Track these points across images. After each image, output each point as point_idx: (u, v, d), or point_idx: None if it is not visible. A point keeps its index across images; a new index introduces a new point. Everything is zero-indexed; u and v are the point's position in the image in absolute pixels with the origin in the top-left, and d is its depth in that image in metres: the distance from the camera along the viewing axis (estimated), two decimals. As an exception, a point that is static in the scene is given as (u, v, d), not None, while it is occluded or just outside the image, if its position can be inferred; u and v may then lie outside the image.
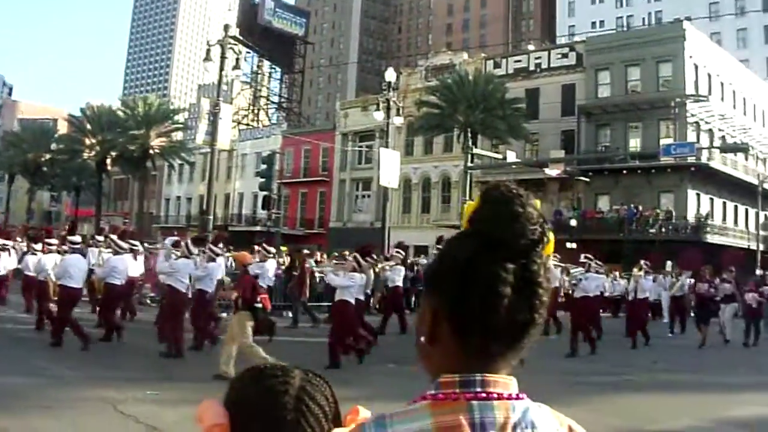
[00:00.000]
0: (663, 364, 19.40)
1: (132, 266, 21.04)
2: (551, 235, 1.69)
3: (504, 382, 1.62)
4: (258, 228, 67.89)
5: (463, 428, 1.55)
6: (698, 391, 15.22)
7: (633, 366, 18.24)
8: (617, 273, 34.55)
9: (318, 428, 1.66)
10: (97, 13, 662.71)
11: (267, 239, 24.12)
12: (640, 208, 52.86)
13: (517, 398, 1.61)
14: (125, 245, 19.09)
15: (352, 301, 16.63)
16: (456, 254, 1.67)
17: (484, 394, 1.59)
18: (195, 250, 18.22)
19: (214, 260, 19.07)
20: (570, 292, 22.70)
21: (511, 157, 46.69)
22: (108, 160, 77.47)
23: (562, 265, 25.12)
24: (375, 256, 22.08)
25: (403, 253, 26.99)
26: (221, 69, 33.90)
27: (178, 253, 17.69)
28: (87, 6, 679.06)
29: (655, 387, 15.51)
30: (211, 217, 34.56)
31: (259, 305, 14.22)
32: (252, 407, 1.67)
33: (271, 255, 23.18)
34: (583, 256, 23.45)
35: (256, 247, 23.83)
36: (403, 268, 25.55)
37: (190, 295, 18.04)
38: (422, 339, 1.67)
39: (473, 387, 1.59)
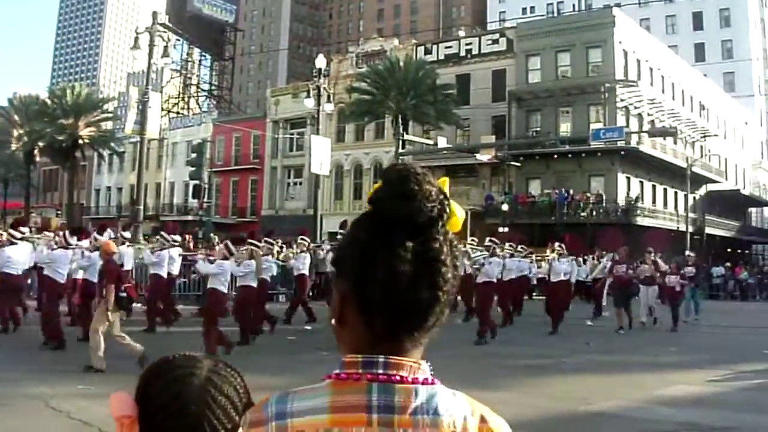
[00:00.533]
0: (594, 346, 19.59)
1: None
2: (459, 213, 1.67)
3: (410, 365, 1.61)
4: (190, 217, 67.53)
5: (358, 409, 1.56)
6: (629, 371, 15.36)
7: (564, 348, 18.36)
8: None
9: (226, 419, 1.65)
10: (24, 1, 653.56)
11: (165, 226, 23.56)
12: (571, 192, 53.43)
13: (424, 383, 1.59)
14: (18, 235, 18.78)
15: (223, 289, 16.87)
16: (355, 236, 1.67)
17: (384, 376, 1.58)
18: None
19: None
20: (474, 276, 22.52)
21: (443, 142, 46.89)
22: (36, 151, 76.32)
23: (463, 249, 24.95)
24: (281, 243, 22.07)
25: (308, 240, 26.85)
26: (150, 57, 33.60)
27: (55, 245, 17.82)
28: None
29: (586, 369, 15.65)
30: (142, 207, 34.27)
31: (124, 294, 14.19)
32: (157, 399, 1.65)
33: (175, 243, 22.32)
34: (487, 239, 23.50)
35: (163, 235, 23.32)
36: (308, 256, 25.53)
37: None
38: (333, 321, 1.67)
39: (375, 368, 1.59)
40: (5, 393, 11.80)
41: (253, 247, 18.96)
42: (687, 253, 40.97)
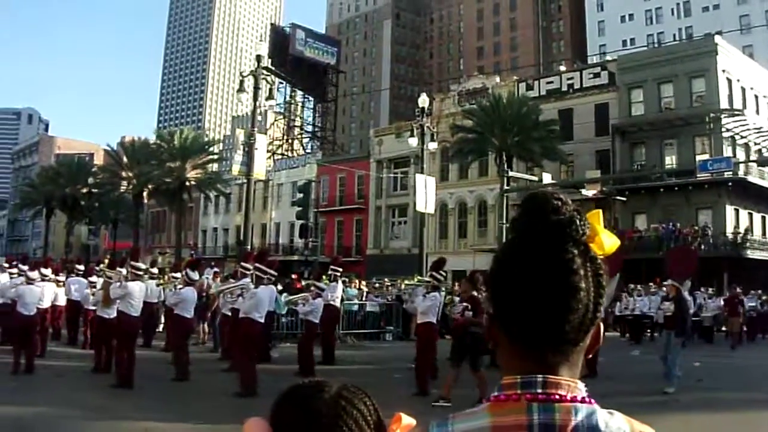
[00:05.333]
0: (707, 381, 19.22)
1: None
2: (607, 237, 1.77)
3: (568, 384, 1.65)
4: (296, 257, 68.06)
5: (520, 429, 1.60)
6: (744, 409, 15.05)
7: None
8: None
9: (358, 431, 1.66)
10: (130, 49, 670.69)
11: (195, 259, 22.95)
12: (678, 225, 52.42)
13: (582, 401, 1.64)
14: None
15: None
16: (496, 257, 1.77)
17: (543, 396, 1.63)
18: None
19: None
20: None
21: (547, 179, 46.55)
22: (145, 193, 77.95)
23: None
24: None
25: (340, 271, 25.09)
26: (255, 100, 34.04)
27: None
28: (120, 42, 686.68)
29: (700, 406, 15.38)
30: (249, 247, 34.69)
31: None
32: (289, 416, 1.68)
33: (140, 273, 18.86)
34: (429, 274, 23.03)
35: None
36: (340, 286, 24.79)
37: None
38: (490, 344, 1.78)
39: (534, 388, 1.64)
40: (118, 425, 12.13)
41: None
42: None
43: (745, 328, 35.42)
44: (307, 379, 1.82)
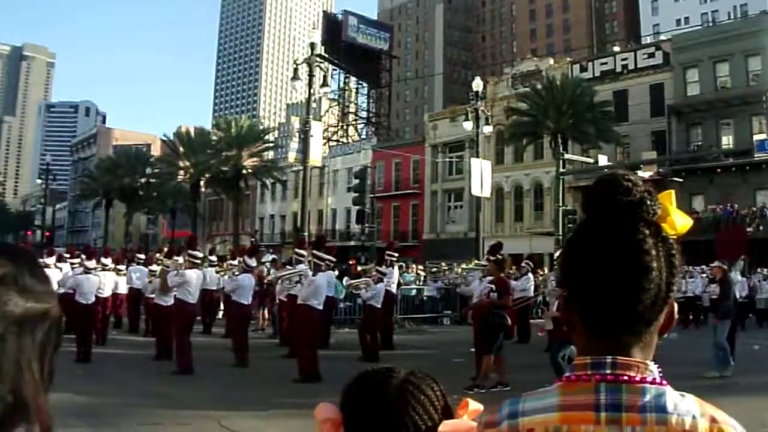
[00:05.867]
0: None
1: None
2: (679, 217, 1.82)
3: (638, 365, 1.67)
4: (352, 243, 68.29)
5: (587, 407, 1.64)
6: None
7: (734, 368, 17.71)
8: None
9: (426, 416, 1.69)
10: (183, 39, 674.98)
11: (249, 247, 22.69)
12: (736, 206, 51.74)
13: (653, 383, 1.65)
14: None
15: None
16: (569, 240, 1.80)
17: (612, 377, 1.65)
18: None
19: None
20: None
21: (603, 160, 46.10)
22: (202, 182, 78.63)
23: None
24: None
25: (395, 255, 24.42)
26: (309, 87, 34.10)
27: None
28: (174, 33, 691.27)
29: (760, 390, 15.19)
30: (306, 234, 34.80)
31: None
32: (359, 401, 1.72)
33: (197, 261, 19.04)
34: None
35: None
36: (396, 271, 24.31)
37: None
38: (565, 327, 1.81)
39: (603, 369, 1.67)
40: (181, 412, 12.24)
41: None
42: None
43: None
44: (376, 365, 1.86)
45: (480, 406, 1.75)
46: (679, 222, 1.80)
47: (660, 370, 1.70)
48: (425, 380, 1.76)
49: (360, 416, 1.71)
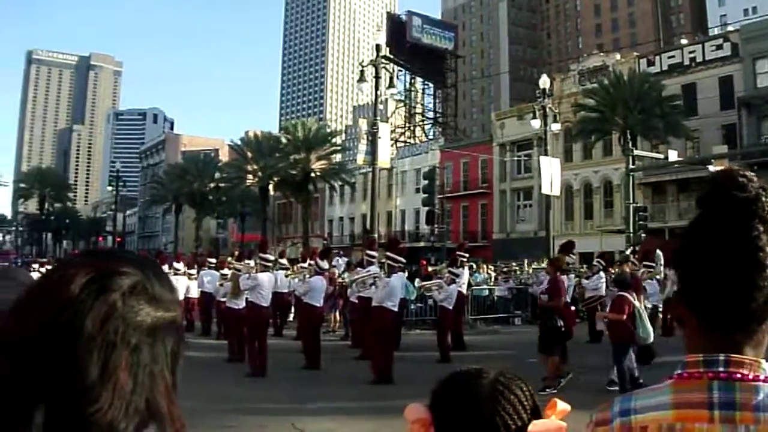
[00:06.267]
0: None
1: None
2: None
3: (751, 363, 1.63)
4: (422, 244, 68.25)
5: (700, 405, 1.61)
6: None
7: None
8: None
9: (516, 416, 1.69)
10: (248, 44, 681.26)
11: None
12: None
13: (766, 380, 1.61)
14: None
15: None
16: (682, 236, 1.77)
17: (725, 374, 1.62)
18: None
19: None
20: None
21: (673, 156, 45.62)
22: (270, 186, 79.35)
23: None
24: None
25: (466, 256, 23.95)
26: (376, 89, 34.11)
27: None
28: (238, 38, 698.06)
29: None
30: (375, 235, 34.81)
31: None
32: (450, 401, 1.72)
33: (269, 264, 18.55)
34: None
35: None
36: (466, 271, 24.19)
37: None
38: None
39: (716, 366, 1.64)
40: (255, 415, 12.29)
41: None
42: None
43: None
44: (462, 366, 1.85)
45: (567, 407, 1.74)
46: None
47: None
48: (515, 380, 1.76)
49: (450, 417, 1.71)
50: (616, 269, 26.73)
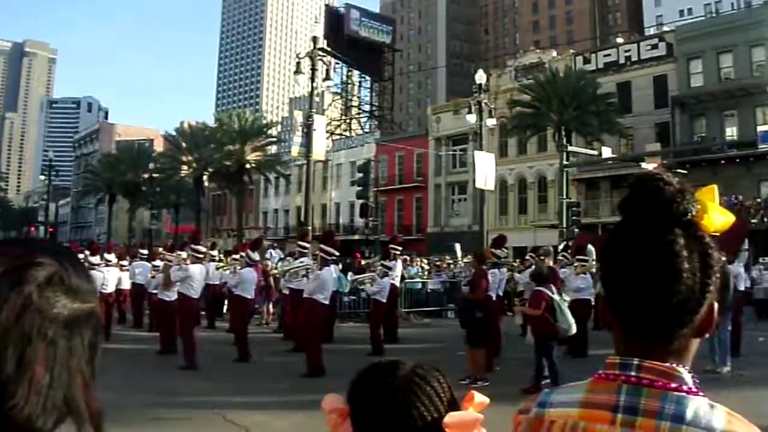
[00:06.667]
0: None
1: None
2: (717, 215, 1.74)
3: (665, 371, 1.64)
4: (356, 237, 68.26)
5: (605, 407, 1.63)
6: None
7: (740, 360, 17.65)
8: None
9: (432, 408, 1.69)
10: (185, 34, 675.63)
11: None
12: (741, 198, 51.73)
13: (677, 390, 1.61)
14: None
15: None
16: (605, 241, 1.77)
17: (635, 379, 1.63)
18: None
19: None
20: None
21: (607, 153, 46.09)
22: (205, 177, 78.82)
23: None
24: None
25: (400, 249, 24.35)
26: (312, 81, 34.06)
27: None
28: (176, 28, 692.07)
29: (766, 381, 15.19)
30: (310, 228, 34.76)
31: None
32: (365, 392, 1.74)
33: (200, 256, 18.47)
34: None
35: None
36: (399, 264, 24.43)
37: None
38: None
39: (628, 370, 1.65)
40: (186, 407, 12.22)
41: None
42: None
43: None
44: (384, 358, 1.86)
45: (486, 399, 1.74)
46: (718, 219, 1.74)
47: (694, 376, 1.67)
48: (431, 372, 1.77)
49: (366, 408, 1.73)
50: (530, 264, 26.96)
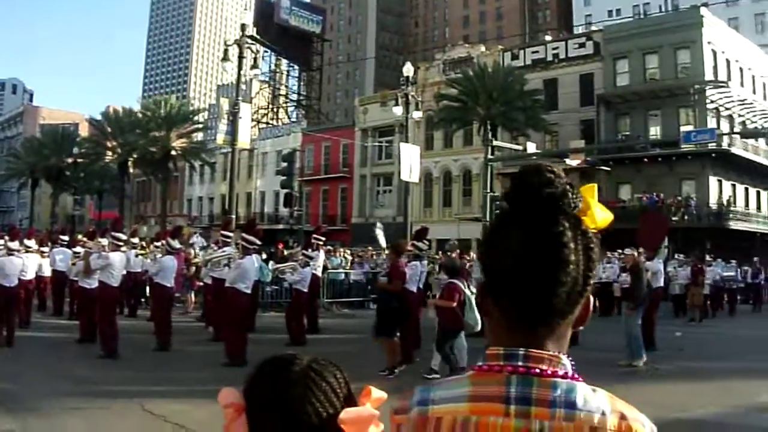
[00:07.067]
0: (685, 352, 19.39)
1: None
2: (599, 210, 1.80)
3: (551, 359, 1.68)
4: (281, 226, 68.01)
5: (497, 399, 1.64)
6: (725, 378, 15.17)
7: (656, 354, 17.99)
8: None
9: (328, 403, 1.70)
10: (114, 17, 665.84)
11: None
12: (662, 196, 52.51)
13: (564, 377, 1.66)
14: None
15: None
16: (489, 226, 1.79)
17: (524, 369, 1.66)
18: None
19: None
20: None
21: (531, 148, 46.38)
22: (130, 163, 78.01)
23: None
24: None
25: (323, 239, 25.14)
26: (239, 69, 33.87)
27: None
28: (104, 10, 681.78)
29: (679, 375, 15.51)
30: (234, 216, 34.63)
31: None
32: (261, 388, 1.73)
33: (121, 243, 18.21)
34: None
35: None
36: (322, 255, 24.96)
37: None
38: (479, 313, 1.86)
39: (515, 360, 1.68)
40: (104, 396, 12.15)
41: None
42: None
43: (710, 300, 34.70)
44: (281, 353, 1.87)
45: (383, 395, 1.75)
46: (599, 216, 1.78)
47: (573, 362, 1.71)
48: (328, 367, 1.77)
49: (261, 402, 1.71)
50: (442, 257, 27.20)
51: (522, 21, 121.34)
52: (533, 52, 67.23)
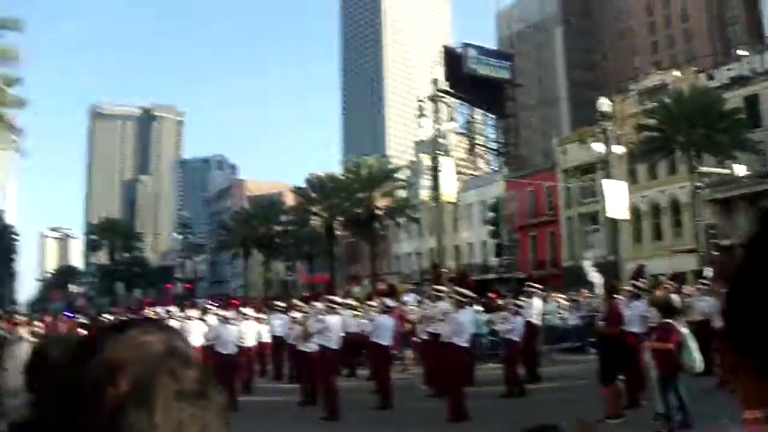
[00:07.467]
0: None
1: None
2: None
3: None
4: (491, 275, 67.81)
5: None
6: None
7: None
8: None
9: None
10: (307, 87, 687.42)
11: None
12: None
13: None
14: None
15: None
16: (737, 268, 1.39)
17: None
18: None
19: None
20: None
21: (740, 170, 44.91)
22: (336, 225, 79.51)
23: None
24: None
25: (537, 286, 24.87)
26: (436, 123, 34.12)
27: None
28: (297, 82, 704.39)
29: None
30: (445, 270, 34.60)
31: None
32: None
33: (336, 305, 18.56)
34: None
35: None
36: (537, 302, 24.18)
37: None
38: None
39: None
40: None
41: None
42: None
43: None
44: (536, 424, 1.74)
45: None
46: None
47: None
48: None
49: None
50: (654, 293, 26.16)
51: (712, 39, 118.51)
52: (728, 70, 65.14)
